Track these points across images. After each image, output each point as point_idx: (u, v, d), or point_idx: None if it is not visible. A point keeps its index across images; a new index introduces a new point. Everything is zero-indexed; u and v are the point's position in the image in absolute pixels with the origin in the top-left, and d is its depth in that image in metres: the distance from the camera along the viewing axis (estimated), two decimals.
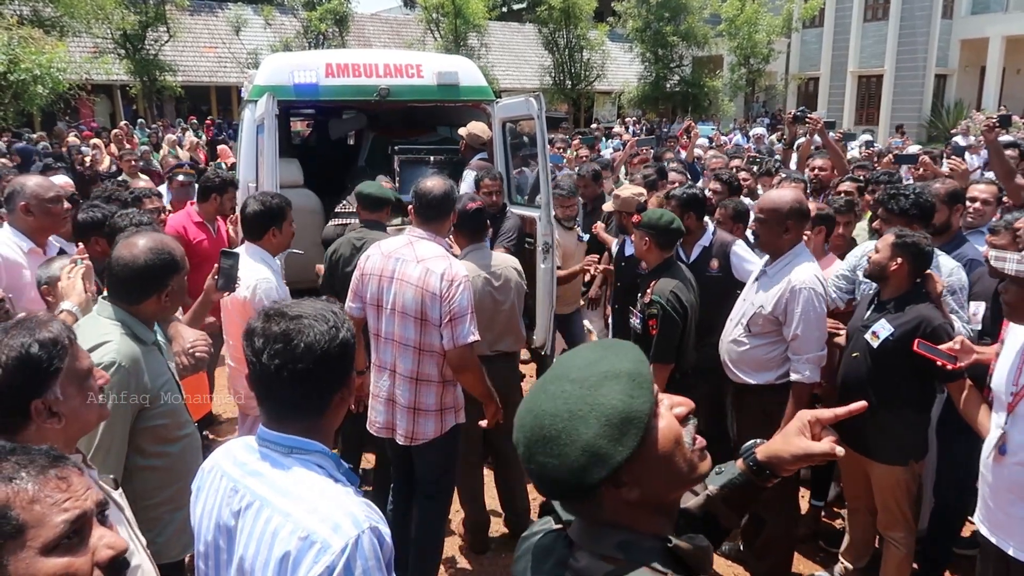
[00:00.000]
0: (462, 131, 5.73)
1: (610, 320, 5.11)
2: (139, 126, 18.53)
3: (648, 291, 3.72)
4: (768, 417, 3.40)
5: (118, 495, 1.88)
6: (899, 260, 3.24)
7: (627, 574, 1.10)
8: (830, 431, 1.33)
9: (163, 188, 6.68)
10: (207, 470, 1.71)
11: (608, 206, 4.88)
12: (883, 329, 3.24)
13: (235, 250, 3.38)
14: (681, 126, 21.94)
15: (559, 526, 1.26)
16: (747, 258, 4.24)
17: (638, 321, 3.86)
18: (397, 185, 5.78)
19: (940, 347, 2.96)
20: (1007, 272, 2.48)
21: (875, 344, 3.26)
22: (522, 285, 4.11)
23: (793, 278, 3.35)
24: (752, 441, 1.39)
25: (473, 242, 3.96)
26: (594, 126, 21.34)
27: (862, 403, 1.37)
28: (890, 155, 7.33)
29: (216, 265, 3.12)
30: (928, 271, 3.31)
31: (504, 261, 4.08)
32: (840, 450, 1.30)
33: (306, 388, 1.56)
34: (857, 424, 3.41)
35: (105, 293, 2.45)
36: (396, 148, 6.12)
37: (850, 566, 3.77)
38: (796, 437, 1.32)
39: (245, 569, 1.51)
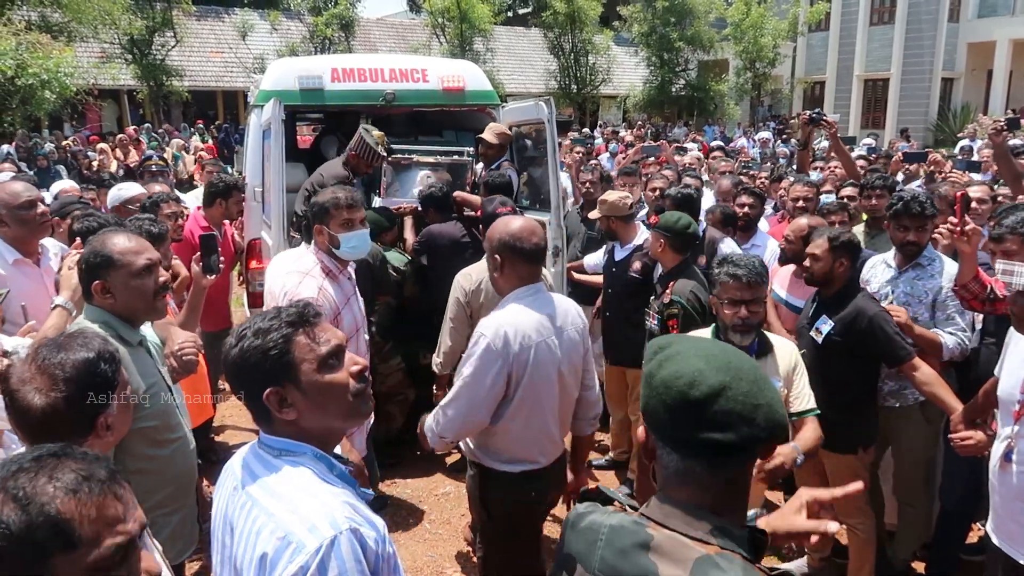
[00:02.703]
0: (487, 135, 5.49)
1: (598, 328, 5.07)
2: (145, 130, 18.60)
3: (667, 292, 3.79)
4: None
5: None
6: (843, 261, 3.39)
7: (721, 560, 1.12)
8: (829, 510, 1.43)
9: (188, 195, 6.65)
10: (225, 469, 1.73)
11: (594, 213, 4.83)
12: (825, 325, 3.41)
13: (214, 233, 3.38)
14: (685, 132, 21.98)
15: (631, 509, 1.28)
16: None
17: (656, 322, 3.92)
18: (383, 189, 5.63)
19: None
20: (1015, 287, 2.46)
21: (819, 340, 3.42)
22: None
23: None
24: (754, 511, 1.44)
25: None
26: (598, 130, 21.31)
27: (858, 486, 1.53)
28: (898, 155, 7.31)
29: (198, 252, 3.08)
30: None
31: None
32: (834, 527, 1.38)
33: (245, 398, 1.61)
34: None
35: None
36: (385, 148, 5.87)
37: (816, 555, 3.84)
38: (793, 515, 1.41)
39: (237, 567, 1.53)
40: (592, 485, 1.40)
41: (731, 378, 1.18)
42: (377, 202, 5.44)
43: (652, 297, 4.11)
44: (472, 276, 3.93)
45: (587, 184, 6.15)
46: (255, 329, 1.57)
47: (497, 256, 2.75)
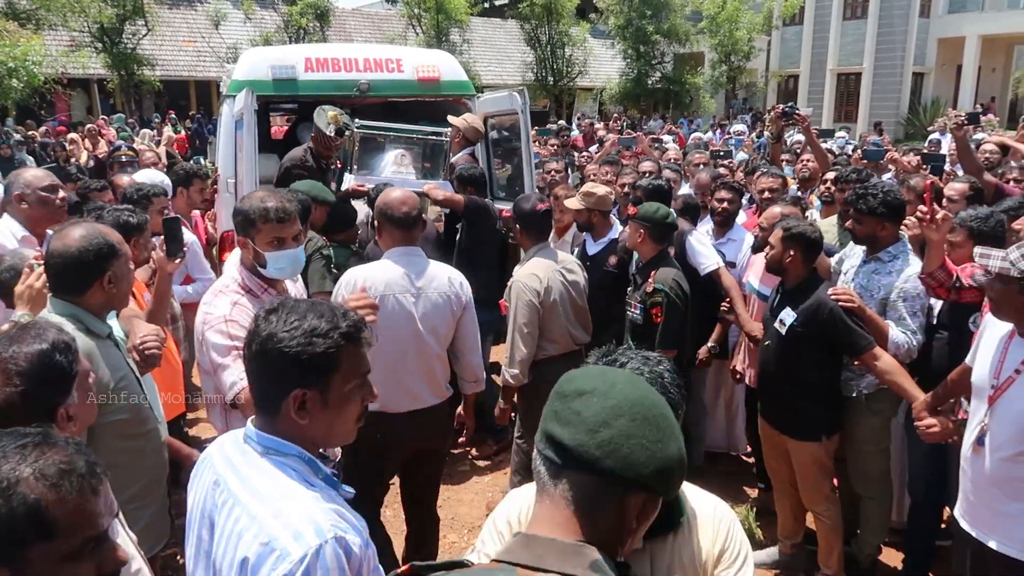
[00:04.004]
0: (457, 121, 5.53)
1: None
2: (120, 119, 18.32)
3: (649, 281, 3.83)
4: None
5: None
6: (791, 252, 3.44)
7: None
8: None
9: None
10: (202, 459, 1.70)
11: (574, 203, 4.69)
12: (788, 316, 3.46)
13: (177, 215, 3.33)
14: (661, 124, 22.07)
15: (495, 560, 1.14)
16: (699, 249, 4.45)
17: (638, 312, 3.95)
18: (354, 166, 5.46)
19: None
20: (991, 269, 2.50)
21: (783, 331, 3.48)
22: (586, 280, 4.14)
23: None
24: None
25: (538, 242, 3.99)
26: (574, 121, 21.31)
27: None
28: (857, 152, 7.35)
29: (161, 236, 3.03)
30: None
31: (569, 257, 4.14)
32: None
33: (260, 384, 1.58)
34: (774, 404, 3.64)
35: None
36: (359, 125, 5.53)
37: (787, 542, 3.91)
38: None
39: (216, 567, 1.50)
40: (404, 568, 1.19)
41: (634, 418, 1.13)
42: (348, 180, 5.32)
43: (631, 288, 4.14)
44: (539, 277, 3.87)
45: (552, 172, 6.13)
46: (310, 327, 1.52)
47: (376, 222, 3.28)
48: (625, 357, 1.69)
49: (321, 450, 1.62)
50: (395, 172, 5.42)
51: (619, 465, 1.09)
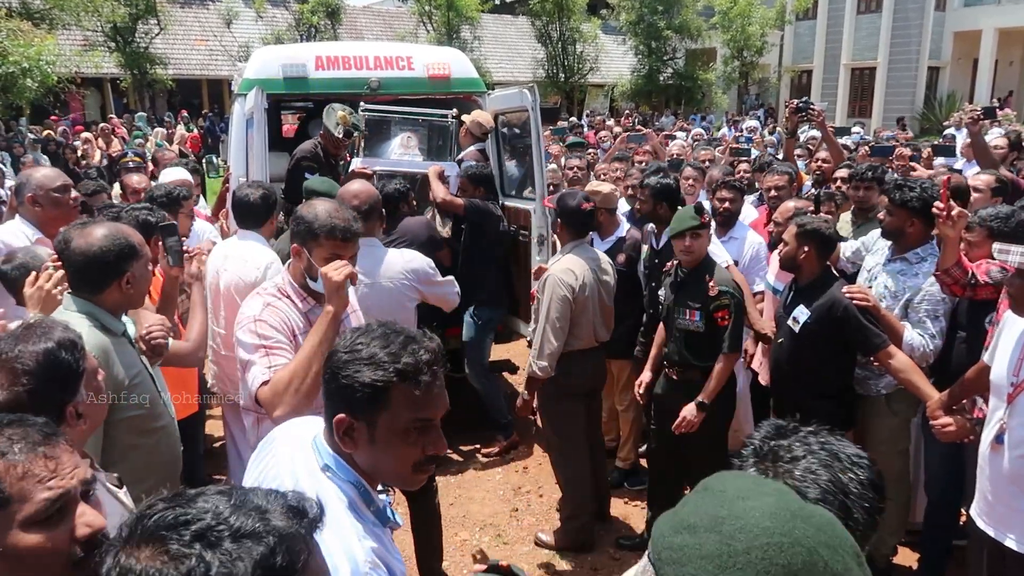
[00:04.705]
0: (465, 118, 5.58)
1: None
2: (140, 118, 18.45)
3: (711, 285, 3.63)
4: None
5: (123, 494, 1.85)
6: (806, 248, 3.41)
7: None
8: None
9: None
10: (267, 440, 1.68)
11: None
12: (802, 314, 3.44)
13: (172, 222, 3.27)
14: (672, 121, 21.97)
15: None
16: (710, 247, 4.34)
17: (697, 319, 3.68)
18: (361, 148, 5.45)
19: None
20: (1011, 265, 2.47)
21: (796, 328, 3.46)
22: (616, 281, 4.17)
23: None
24: None
25: (577, 239, 4.01)
26: (585, 118, 21.27)
27: None
28: (865, 148, 7.23)
29: (160, 243, 3.01)
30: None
31: (604, 257, 4.15)
32: None
33: (330, 397, 1.52)
34: (788, 401, 3.60)
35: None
36: (363, 108, 5.47)
37: None
38: None
39: None
40: (504, 563, 1.26)
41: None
42: (355, 163, 5.31)
43: (672, 297, 3.86)
44: (575, 273, 3.87)
45: (575, 169, 6.13)
46: (368, 354, 1.46)
47: None
48: (800, 447, 1.21)
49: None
50: (402, 155, 5.41)
51: None
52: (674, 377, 3.82)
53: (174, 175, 5.43)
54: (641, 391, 4.11)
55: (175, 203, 4.13)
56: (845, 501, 1.11)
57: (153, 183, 5.31)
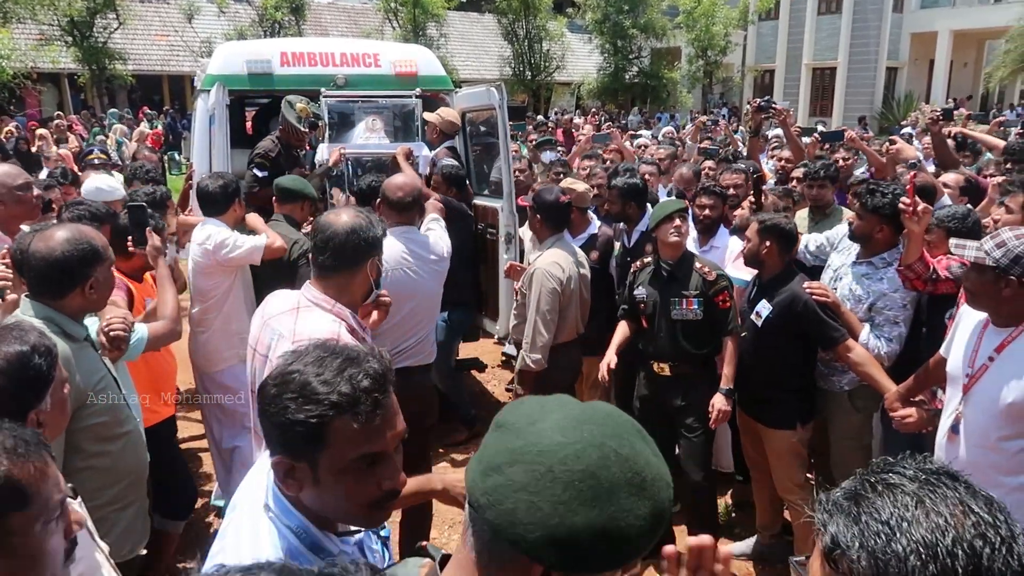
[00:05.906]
0: (431, 116, 5.50)
1: None
2: (113, 114, 18.08)
3: (707, 271, 3.66)
4: None
5: (78, 504, 1.82)
6: (767, 243, 3.48)
7: None
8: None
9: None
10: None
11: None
12: (764, 309, 3.52)
13: (142, 203, 3.29)
14: (640, 119, 22.15)
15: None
16: None
17: (695, 307, 3.68)
18: (327, 137, 5.28)
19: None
20: (966, 259, 2.53)
21: (759, 323, 3.54)
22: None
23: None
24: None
25: (555, 233, 4.06)
26: (552, 116, 21.35)
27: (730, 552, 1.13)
28: (815, 136, 7.20)
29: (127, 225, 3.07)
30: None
31: (580, 252, 4.22)
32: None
33: (267, 438, 1.35)
34: (751, 394, 3.68)
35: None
36: (324, 95, 5.29)
37: (765, 532, 3.96)
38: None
39: None
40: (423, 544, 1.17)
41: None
42: (322, 150, 5.22)
43: (650, 292, 3.84)
44: (561, 266, 3.91)
45: (515, 172, 5.99)
46: (299, 386, 1.26)
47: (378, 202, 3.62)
48: (910, 477, 1.02)
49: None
50: (368, 138, 5.35)
51: (499, 520, 0.88)
52: (666, 373, 3.77)
53: (99, 184, 4.90)
54: (605, 373, 3.87)
55: (161, 205, 4.15)
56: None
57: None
